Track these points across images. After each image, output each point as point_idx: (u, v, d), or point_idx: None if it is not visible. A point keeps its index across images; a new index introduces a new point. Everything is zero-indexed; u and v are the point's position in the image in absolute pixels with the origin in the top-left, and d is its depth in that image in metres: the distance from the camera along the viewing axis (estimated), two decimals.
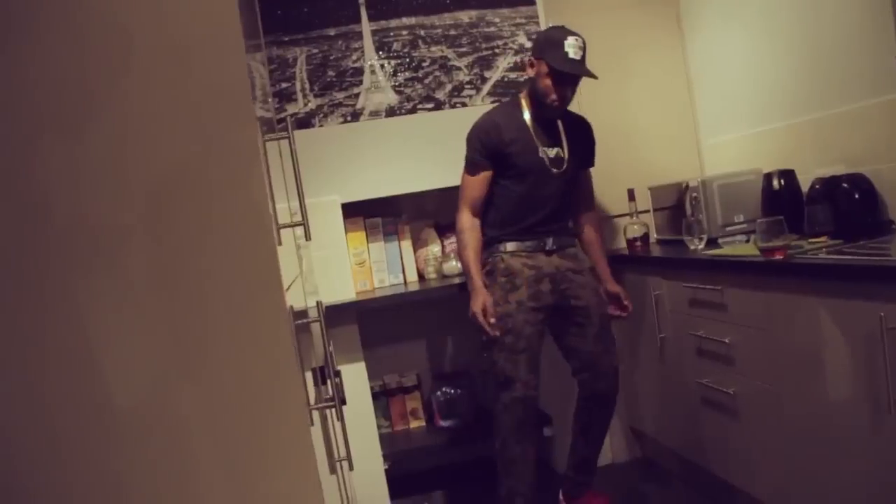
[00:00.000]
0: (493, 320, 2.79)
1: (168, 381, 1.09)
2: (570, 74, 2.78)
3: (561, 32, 2.82)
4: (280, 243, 1.41)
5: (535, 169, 2.86)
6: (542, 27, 3.67)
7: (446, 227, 3.73)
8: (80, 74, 1.01)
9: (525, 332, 2.83)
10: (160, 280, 1.08)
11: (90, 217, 1.08)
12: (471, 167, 2.91)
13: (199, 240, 1.07)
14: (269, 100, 2.75)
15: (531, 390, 2.84)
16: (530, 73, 2.89)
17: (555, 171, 2.89)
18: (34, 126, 1.00)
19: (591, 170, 3.13)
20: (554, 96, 2.81)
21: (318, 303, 1.57)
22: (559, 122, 2.95)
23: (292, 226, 1.55)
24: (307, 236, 1.54)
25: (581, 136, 3.01)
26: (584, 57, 2.80)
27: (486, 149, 2.86)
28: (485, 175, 2.89)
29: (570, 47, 2.77)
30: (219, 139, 1.03)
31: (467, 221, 2.90)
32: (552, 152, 2.89)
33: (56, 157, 1.06)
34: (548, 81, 2.81)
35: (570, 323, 2.94)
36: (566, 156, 2.92)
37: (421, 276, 3.68)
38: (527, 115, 2.91)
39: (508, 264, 2.87)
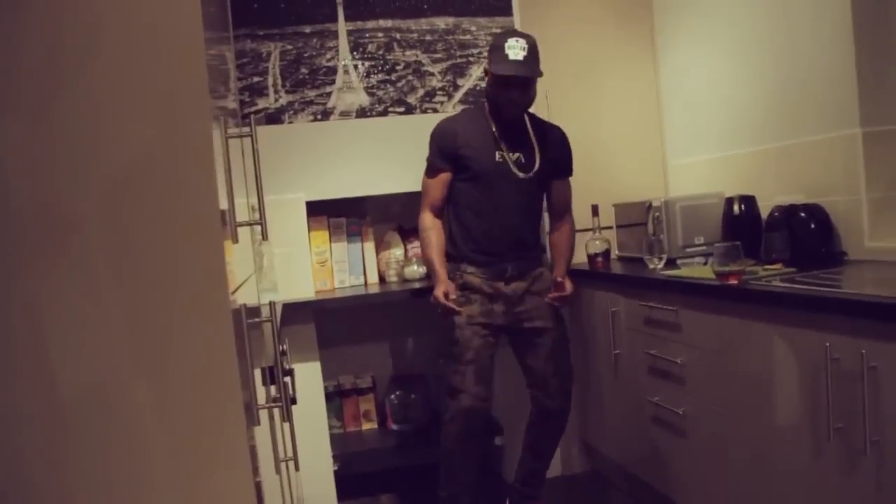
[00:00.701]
0: (451, 300, 2.79)
1: (117, 373, 1.09)
2: (513, 76, 2.76)
3: (504, 36, 2.82)
4: (236, 240, 1.41)
5: (491, 171, 2.86)
6: None
7: (410, 232, 3.73)
8: (45, 56, 1.00)
9: (473, 344, 2.84)
10: (113, 269, 1.08)
11: (46, 201, 1.07)
12: (429, 169, 2.94)
13: (151, 231, 1.07)
14: (235, 93, 2.74)
15: (479, 401, 2.85)
16: (487, 80, 2.91)
17: (520, 174, 2.88)
18: None
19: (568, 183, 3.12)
20: (503, 101, 2.82)
21: (270, 303, 1.57)
22: (529, 129, 2.95)
23: (249, 224, 1.54)
24: (264, 235, 1.53)
25: (553, 145, 3.00)
26: (529, 57, 2.77)
27: (441, 151, 2.89)
28: (443, 177, 2.91)
29: (511, 49, 2.75)
30: (176, 130, 1.03)
31: (429, 221, 2.93)
32: (513, 156, 2.88)
33: (13, 139, 1.04)
34: (496, 87, 2.82)
35: (525, 343, 2.97)
36: (536, 161, 2.91)
37: (382, 279, 3.67)
38: (489, 120, 2.91)
39: (467, 280, 2.89)
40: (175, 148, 1.03)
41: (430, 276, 2.98)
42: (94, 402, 1.09)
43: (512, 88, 2.79)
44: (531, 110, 3.02)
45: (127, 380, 1.08)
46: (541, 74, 2.81)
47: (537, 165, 2.91)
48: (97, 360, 1.09)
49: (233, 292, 1.18)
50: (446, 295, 2.79)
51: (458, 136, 2.87)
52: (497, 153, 2.87)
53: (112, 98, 1.06)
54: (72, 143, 1.06)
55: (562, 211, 3.10)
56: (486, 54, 3.66)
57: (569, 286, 2.96)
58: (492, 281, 2.88)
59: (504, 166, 2.87)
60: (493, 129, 2.89)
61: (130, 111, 1.06)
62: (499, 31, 3.68)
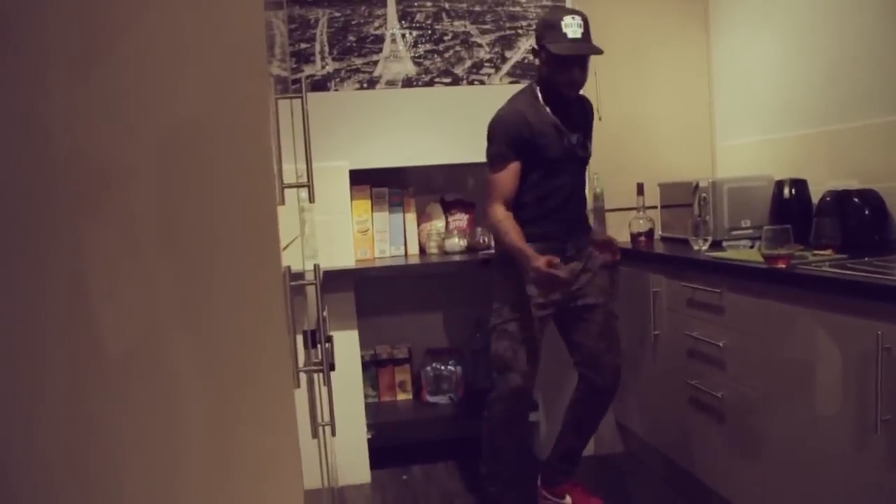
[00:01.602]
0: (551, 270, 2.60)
1: (162, 329, 1.09)
2: (573, 56, 2.68)
3: (557, 13, 2.72)
4: (283, 203, 1.40)
5: (561, 156, 2.79)
6: None
7: (451, 204, 3.72)
8: (94, 13, 0.99)
9: (531, 325, 2.81)
10: (161, 225, 1.07)
11: (93, 157, 1.07)
12: (499, 162, 2.77)
13: (201, 189, 1.06)
14: (287, 59, 2.73)
15: (528, 381, 2.83)
16: (538, 61, 2.81)
17: (581, 155, 2.86)
18: (41, 61, 0.99)
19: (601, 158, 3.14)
20: (563, 81, 2.72)
21: (315, 266, 1.56)
22: (575, 107, 2.88)
23: (297, 186, 1.54)
24: (311, 198, 1.53)
25: (589, 119, 2.95)
26: (586, 34, 2.69)
27: (514, 141, 2.74)
28: (514, 168, 2.76)
29: (569, 27, 2.65)
30: (229, 92, 1.01)
31: (502, 213, 2.77)
32: (574, 138, 2.82)
33: (63, 92, 1.04)
34: (554, 67, 2.71)
35: (575, 319, 2.92)
36: (588, 140, 2.89)
37: (422, 250, 3.67)
38: (546, 104, 2.80)
39: None
40: (231, 108, 1.02)
41: (509, 261, 2.78)
42: (139, 359, 1.09)
43: (572, 67, 2.70)
44: None
45: (172, 338, 1.08)
46: (602, 51, 2.70)
47: (591, 146, 2.89)
48: (142, 316, 1.09)
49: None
50: (549, 265, 2.59)
51: (531, 124, 2.74)
52: (564, 137, 2.79)
53: (167, 56, 1.05)
54: (123, 98, 1.05)
55: None
56: (534, 27, 3.62)
57: (617, 245, 2.94)
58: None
59: (570, 150, 2.81)
60: (551, 112, 2.80)
61: (186, 69, 1.05)
62: (549, 3, 3.62)
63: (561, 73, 2.71)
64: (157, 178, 1.07)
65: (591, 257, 2.92)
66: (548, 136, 2.76)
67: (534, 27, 3.56)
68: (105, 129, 1.07)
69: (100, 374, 1.09)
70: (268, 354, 1.03)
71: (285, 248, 1.44)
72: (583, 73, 2.75)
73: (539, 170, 2.79)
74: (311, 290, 1.62)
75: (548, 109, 2.79)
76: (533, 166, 2.78)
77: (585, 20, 2.71)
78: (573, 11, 2.72)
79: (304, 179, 1.64)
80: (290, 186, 1.45)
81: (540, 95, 2.81)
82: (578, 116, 2.87)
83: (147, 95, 1.05)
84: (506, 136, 2.75)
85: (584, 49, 2.68)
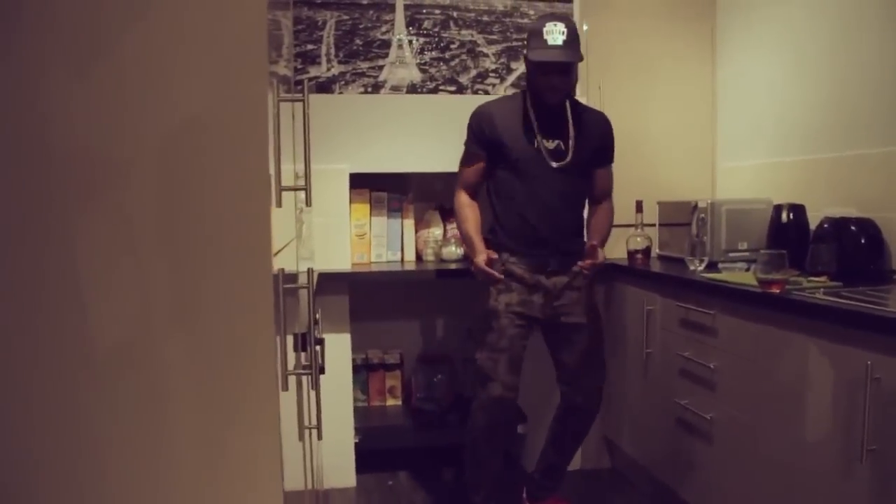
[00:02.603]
0: (493, 268, 2.76)
1: (153, 324, 1.09)
2: (551, 62, 2.68)
3: (541, 20, 2.73)
4: (279, 205, 1.40)
5: (528, 159, 2.78)
6: (577, 25, 3.65)
7: (450, 212, 3.71)
8: (95, 10, 0.99)
9: (508, 333, 2.79)
10: (156, 223, 1.07)
11: (90, 153, 1.07)
12: (466, 155, 2.91)
13: (196, 188, 1.06)
14: (291, 60, 2.73)
15: (509, 391, 2.81)
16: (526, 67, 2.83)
17: (554, 163, 2.79)
18: (41, 58, 0.99)
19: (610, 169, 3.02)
20: (543, 87, 2.73)
21: (309, 269, 1.56)
22: (569, 116, 2.83)
23: (295, 189, 1.54)
24: (308, 201, 1.52)
25: (594, 132, 2.89)
26: (568, 41, 2.66)
27: (477, 137, 2.84)
28: (479, 165, 2.87)
29: (550, 34, 2.66)
30: (228, 91, 1.02)
31: (465, 199, 2.90)
32: (551, 144, 2.79)
33: (61, 88, 1.04)
34: (534, 73, 2.74)
35: (559, 336, 2.91)
36: (569, 149, 2.81)
37: (419, 257, 3.67)
38: (528, 106, 2.82)
39: (508, 269, 2.83)
40: (229, 107, 1.02)
41: (466, 256, 2.94)
42: (130, 355, 1.09)
43: (551, 74, 2.70)
44: (576, 97, 2.97)
45: (163, 335, 1.08)
46: (580, 59, 2.71)
47: (570, 156, 2.80)
48: (134, 313, 1.09)
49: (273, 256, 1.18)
50: (488, 263, 2.75)
51: (495, 121, 2.81)
52: (535, 141, 2.79)
53: (167, 54, 1.05)
54: (121, 96, 1.06)
55: (601, 198, 3.00)
56: None
57: (601, 255, 2.84)
58: (533, 273, 2.82)
59: (539, 153, 2.79)
60: (532, 116, 2.80)
61: (185, 67, 1.05)
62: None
63: (540, 79, 2.72)
64: (154, 175, 1.07)
65: (580, 275, 2.87)
66: (514, 137, 2.79)
67: None
68: (103, 126, 1.07)
69: (89, 369, 1.09)
70: (255, 356, 1.03)
71: (280, 250, 1.44)
72: (564, 79, 2.73)
73: (509, 169, 2.82)
74: (303, 294, 1.62)
75: (530, 112, 2.80)
76: (499, 164, 2.84)
77: (570, 27, 2.69)
78: (559, 18, 2.72)
79: (303, 182, 1.64)
80: (288, 189, 1.45)
81: (527, 100, 2.83)
82: (580, 129, 2.83)
83: (146, 93, 1.05)
84: (470, 130, 2.88)
85: (559, 56, 2.66)
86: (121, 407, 1.10)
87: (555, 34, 2.65)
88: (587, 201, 3.02)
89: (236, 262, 1.02)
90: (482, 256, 2.77)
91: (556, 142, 2.81)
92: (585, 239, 2.96)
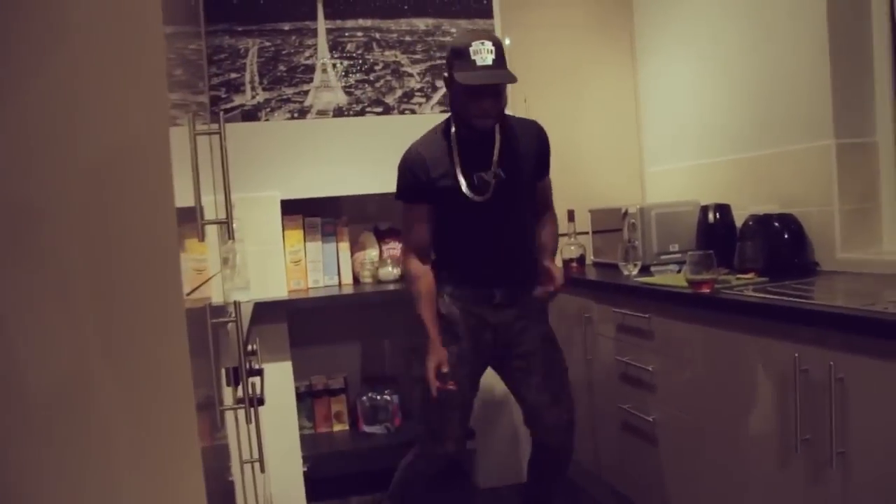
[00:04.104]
0: (439, 383, 2.48)
1: (79, 372, 1.06)
2: (482, 85, 2.39)
3: (467, 38, 2.43)
4: (202, 238, 1.38)
5: (453, 199, 2.52)
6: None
7: (385, 233, 3.72)
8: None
9: (462, 389, 2.57)
10: (72, 267, 1.05)
11: (2, 200, 1.04)
12: (406, 212, 2.60)
13: (109, 228, 1.04)
14: (205, 88, 2.70)
15: (459, 445, 2.64)
16: (448, 90, 2.56)
17: (476, 198, 2.52)
18: None
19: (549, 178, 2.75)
20: (474, 112, 2.44)
21: (234, 302, 1.54)
22: (496, 138, 2.55)
23: (217, 223, 1.52)
24: (230, 234, 1.51)
25: (529, 148, 2.61)
26: (498, 60, 2.40)
27: (416, 187, 2.55)
28: (423, 219, 2.58)
29: (477, 53, 2.38)
30: (132, 128, 1.00)
31: (414, 268, 2.58)
32: (489, 174, 2.53)
33: None
34: (463, 98, 2.44)
35: (512, 368, 2.65)
36: (492, 178, 2.52)
37: (356, 280, 3.65)
38: (451, 138, 2.56)
39: (449, 311, 2.59)
40: (133, 144, 1.00)
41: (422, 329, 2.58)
42: (57, 401, 1.06)
43: (483, 98, 2.41)
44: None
45: (86, 380, 1.06)
46: (514, 80, 2.40)
47: (490, 191, 2.52)
48: (56, 358, 1.06)
49: (189, 292, 1.16)
50: (439, 369, 2.48)
51: (429, 167, 2.53)
52: (472, 175, 2.53)
53: (70, 94, 1.03)
54: (26, 137, 1.04)
55: (542, 208, 2.73)
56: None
57: (558, 277, 2.61)
58: (474, 306, 2.58)
59: (482, 187, 2.53)
60: (455, 148, 2.54)
61: (89, 107, 1.03)
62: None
63: (471, 104, 2.43)
64: (70, 216, 1.05)
65: (531, 303, 2.64)
66: (449, 176, 2.52)
67: None
68: (12, 169, 1.04)
69: (18, 416, 1.06)
70: (175, 395, 1.01)
71: (200, 285, 1.42)
72: (496, 102, 2.45)
73: (450, 209, 2.56)
74: (232, 327, 1.61)
75: (454, 146, 2.54)
76: (441, 206, 2.56)
77: (497, 45, 2.43)
78: (484, 36, 2.44)
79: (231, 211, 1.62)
80: (211, 223, 1.43)
81: (452, 129, 2.57)
82: (509, 149, 2.56)
83: (52, 135, 1.03)
84: (404, 180, 2.57)
85: (494, 77, 2.39)
86: (48, 456, 1.07)
87: (483, 54, 2.38)
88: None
89: (150, 300, 1.00)
90: (434, 359, 2.49)
91: (496, 169, 2.53)
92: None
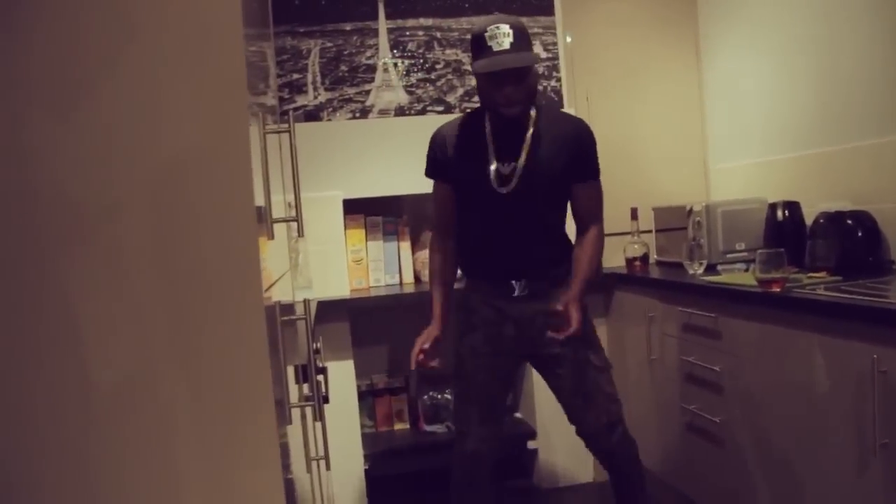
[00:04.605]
0: (421, 357, 2.46)
1: (150, 367, 1.08)
2: (501, 71, 2.27)
3: (482, 24, 2.32)
4: (272, 237, 1.40)
5: (476, 187, 2.44)
6: (560, 38, 3.66)
7: None
8: (77, 54, 0.99)
9: (478, 380, 2.49)
10: (147, 263, 1.07)
11: (78, 193, 1.07)
12: (433, 189, 2.61)
13: (186, 227, 1.06)
14: (275, 89, 2.73)
15: (483, 443, 2.50)
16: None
17: (501, 190, 2.41)
18: (23, 100, 0.99)
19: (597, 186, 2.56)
20: (498, 100, 2.32)
21: (304, 300, 1.55)
22: (529, 130, 2.42)
23: (286, 221, 1.53)
24: (300, 232, 1.52)
25: (565, 143, 2.44)
26: (516, 43, 2.27)
27: (431, 162, 2.56)
28: (445, 196, 2.56)
29: (493, 39, 2.26)
30: (210, 127, 1.02)
31: (434, 242, 2.62)
32: (507, 166, 2.41)
33: (45, 133, 1.04)
34: (484, 85, 2.35)
35: (545, 370, 2.57)
36: (517, 172, 2.40)
37: (417, 279, 3.66)
38: (487, 125, 2.46)
39: (468, 299, 2.56)
40: (212, 144, 1.02)
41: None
42: (126, 396, 1.08)
43: (504, 84, 2.28)
44: (564, 108, 2.82)
45: (159, 375, 1.07)
46: (535, 62, 2.33)
47: (514, 182, 2.40)
48: (129, 353, 1.08)
49: (267, 289, 1.17)
50: (425, 345, 2.46)
51: (447, 146, 2.49)
52: (486, 163, 2.44)
53: (148, 93, 1.05)
54: (105, 136, 1.05)
55: (585, 219, 2.53)
56: None
57: (574, 318, 2.31)
58: (494, 299, 2.49)
59: (487, 180, 2.43)
60: (489, 136, 2.45)
61: (167, 107, 1.05)
62: (540, 31, 3.64)
63: (493, 91, 2.32)
64: (143, 213, 1.07)
65: (556, 299, 2.40)
66: (465, 159, 2.47)
67: None
68: (88, 166, 1.06)
69: (86, 410, 1.08)
70: (252, 391, 1.02)
71: (274, 283, 1.43)
72: (518, 88, 2.31)
73: (471, 197, 2.51)
74: (302, 325, 1.62)
75: (487, 131, 2.45)
76: (462, 192, 2.53)
77: (516, 27, 2.29)
78: (501, 19, 2.32)
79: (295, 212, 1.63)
80: (280, 221, 1.44)
81: (486, 119, 2.47)
82: (541, 145, 2.42)
83: (129, 132, 1.05)
84: (427, 158, 2.58)
85: (509, 62, 2.26)
86: (120, 446, 1.09)
87: (499, 38, 2.26)
88: (575, 226, 2.58)
89: (228, 297, 1.01)
90: (424, 335, 2.50)
91: (510, 164, 2.42)
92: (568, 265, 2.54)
